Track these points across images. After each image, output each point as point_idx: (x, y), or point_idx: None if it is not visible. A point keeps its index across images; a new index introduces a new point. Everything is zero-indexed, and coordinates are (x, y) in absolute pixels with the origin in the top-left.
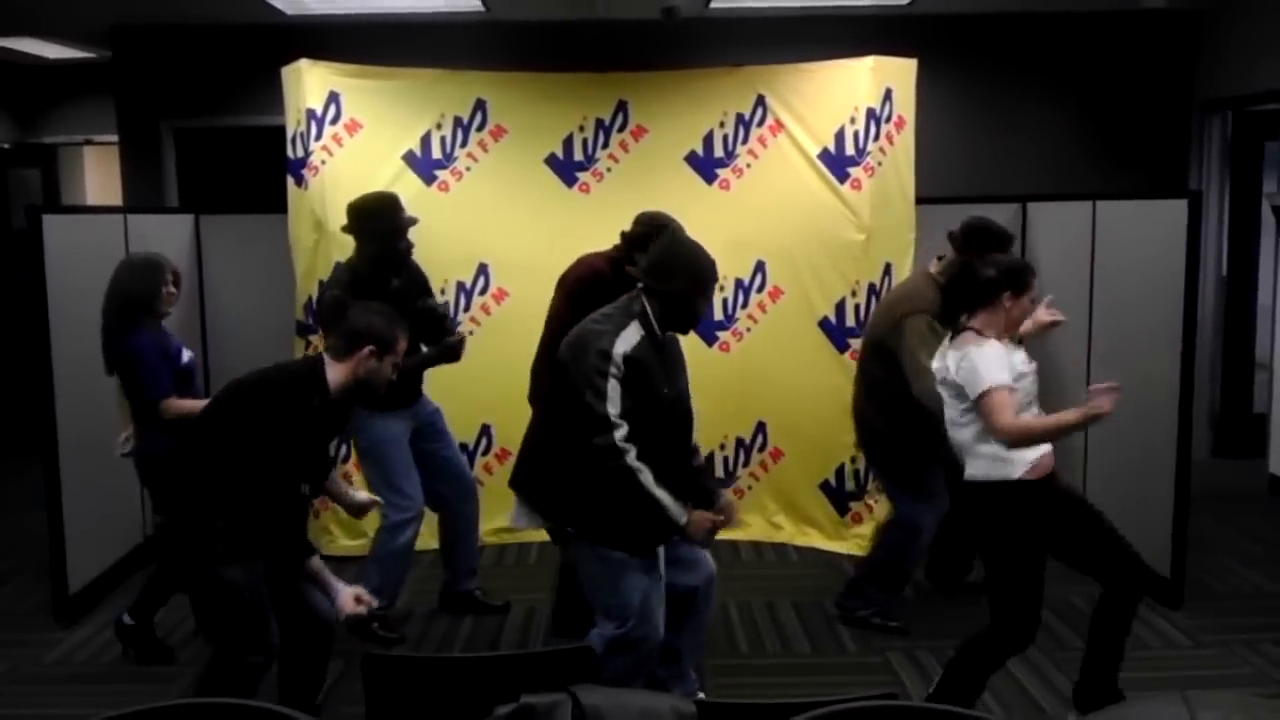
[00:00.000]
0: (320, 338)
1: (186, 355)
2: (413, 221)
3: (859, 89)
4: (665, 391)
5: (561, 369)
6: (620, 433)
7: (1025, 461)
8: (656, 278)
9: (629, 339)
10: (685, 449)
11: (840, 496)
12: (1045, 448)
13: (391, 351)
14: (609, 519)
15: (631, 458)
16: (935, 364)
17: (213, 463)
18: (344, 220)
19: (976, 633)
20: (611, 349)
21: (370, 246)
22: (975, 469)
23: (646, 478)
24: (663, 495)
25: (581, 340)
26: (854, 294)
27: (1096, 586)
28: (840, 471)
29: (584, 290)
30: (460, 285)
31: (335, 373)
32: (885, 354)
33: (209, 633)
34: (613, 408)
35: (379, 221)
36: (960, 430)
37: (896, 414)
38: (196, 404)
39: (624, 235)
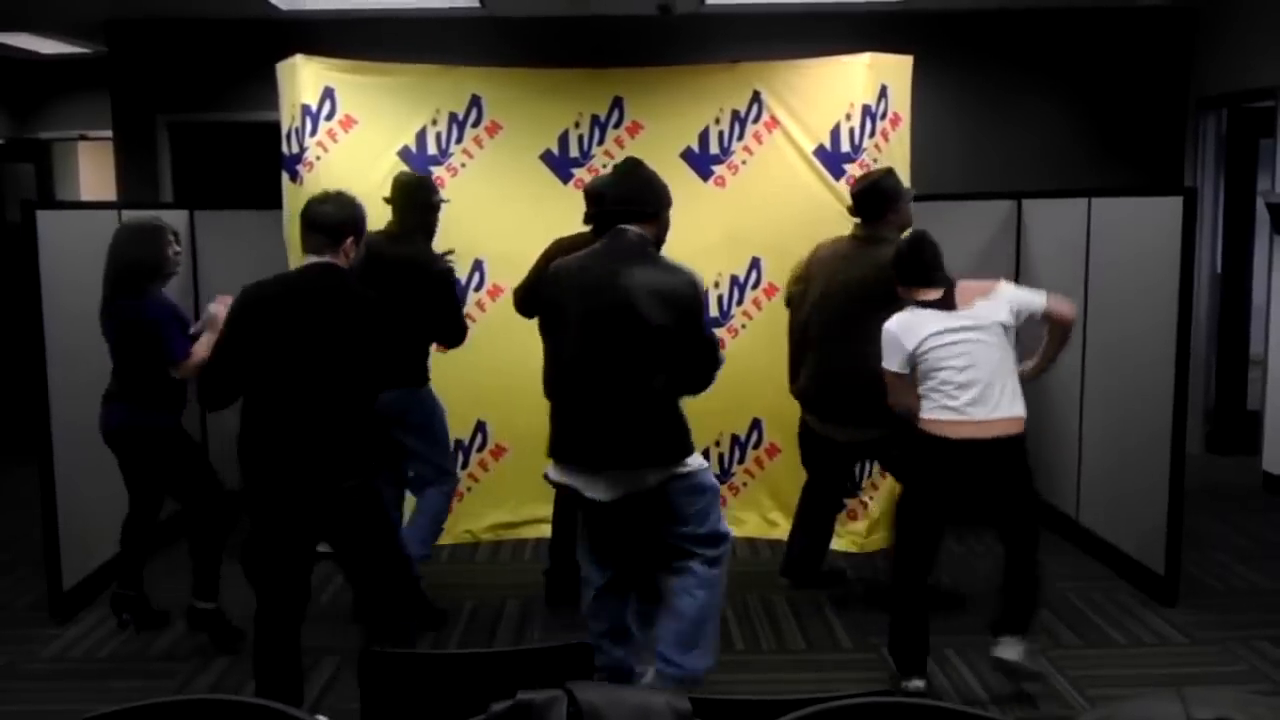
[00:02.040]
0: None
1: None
2: (445, 201)
3: (855, 86)
4: None
5: (667, 307)
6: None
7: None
8: (655, 202)
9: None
10: None
11: None
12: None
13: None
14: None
15: None
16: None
17: (374, 378)
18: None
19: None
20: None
21: (412, 218)
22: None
23: None
24: None
25: (685, 287)
26: None
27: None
28: None
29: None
30: (455, 281)
31: (343, 260)
32: (880, 300)
33: (380, 582)
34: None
35: (431, 195)
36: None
37: None
38: (200, 355)
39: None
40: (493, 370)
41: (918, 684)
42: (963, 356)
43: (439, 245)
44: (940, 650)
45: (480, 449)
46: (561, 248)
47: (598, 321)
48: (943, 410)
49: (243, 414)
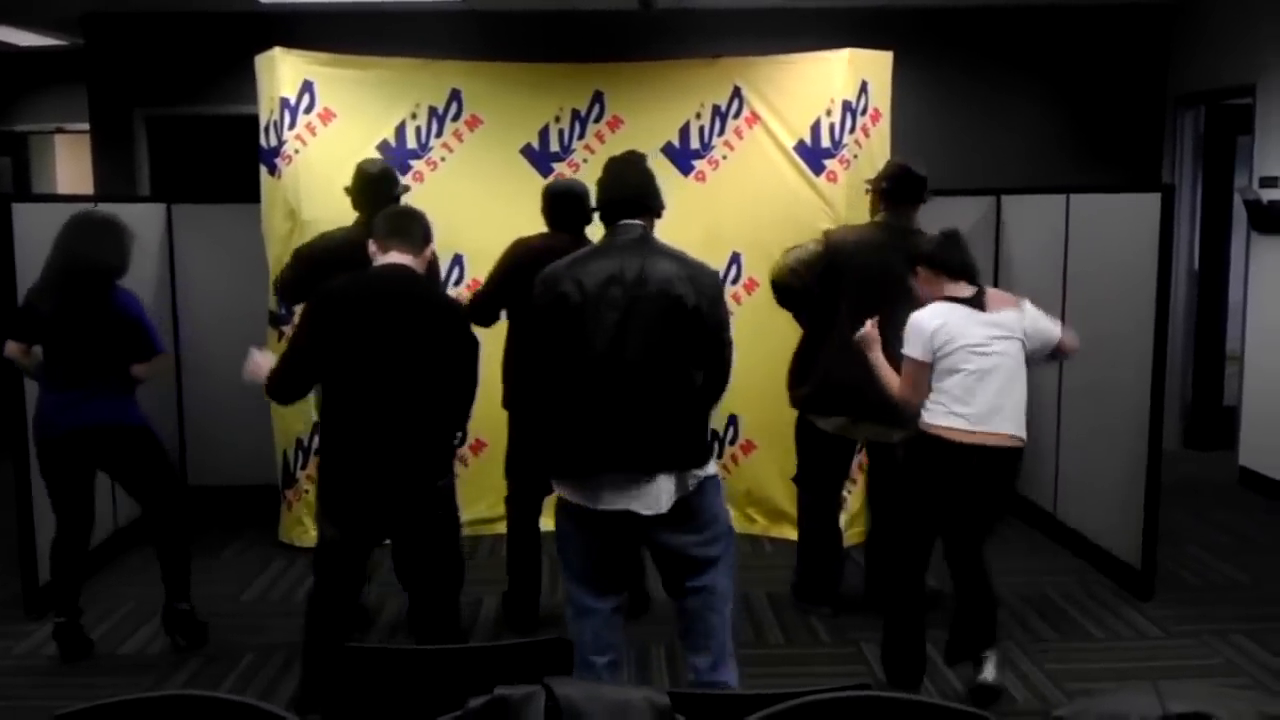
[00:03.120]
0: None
1: None
2: (405, 189)
3: (835, 81)
4: None
5: (686, 305)
6: None
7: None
8: (659, 198)
9: None
10: None
11: None
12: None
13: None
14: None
15: None
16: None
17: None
18: (316, 210)
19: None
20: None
21: (375, 211)
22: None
23: None
24: None
25: (708, 276)
26: None
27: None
28: None
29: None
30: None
31: (420, 266)
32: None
33: (439, 576)
34: None
35: (394, 188)
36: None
37: None
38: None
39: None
40: None
41: None
42: (987, 360)
43: None
44: None
45: (459, 444)
46: (530, 251)
47: (641, 312)
48: (951, 416)
49: (329, 416)
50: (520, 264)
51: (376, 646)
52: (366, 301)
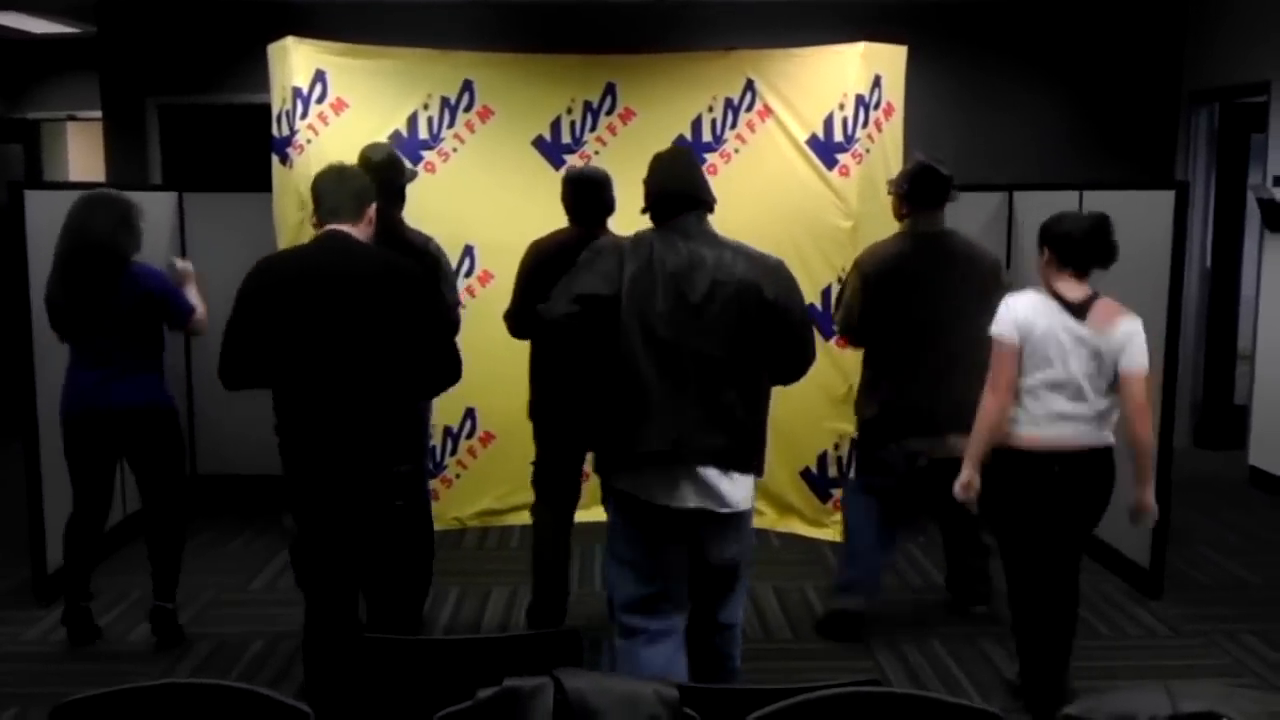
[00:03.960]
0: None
1: None
2: (414, 175)
3: (848, 75)
4: None
5: (767, 300)
6: None
7: None
8: (709, 190)
9: None
10: None
11: (822, 484)
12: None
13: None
14: None
15: None
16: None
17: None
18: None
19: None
20: None
21: (381, 199)
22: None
23: None
24: None
25: (785, 270)
26: (840, 281)
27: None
28: (822, 459)
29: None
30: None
31: (362, 234)
32: (986, 310)
33: (401, 563)
34: None
35: (400, 176)
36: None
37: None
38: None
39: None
40: (482, 357)
41: None
42: (1072, 361)
43: (428, 233)
44: (927, 641)
45: (469, 436)
46: (542, 251)
47: (721, 299)
48: (1033, 424)
49: (277, 401)
50: (535, 267)
51: (387, 637)
52: (295, 277)
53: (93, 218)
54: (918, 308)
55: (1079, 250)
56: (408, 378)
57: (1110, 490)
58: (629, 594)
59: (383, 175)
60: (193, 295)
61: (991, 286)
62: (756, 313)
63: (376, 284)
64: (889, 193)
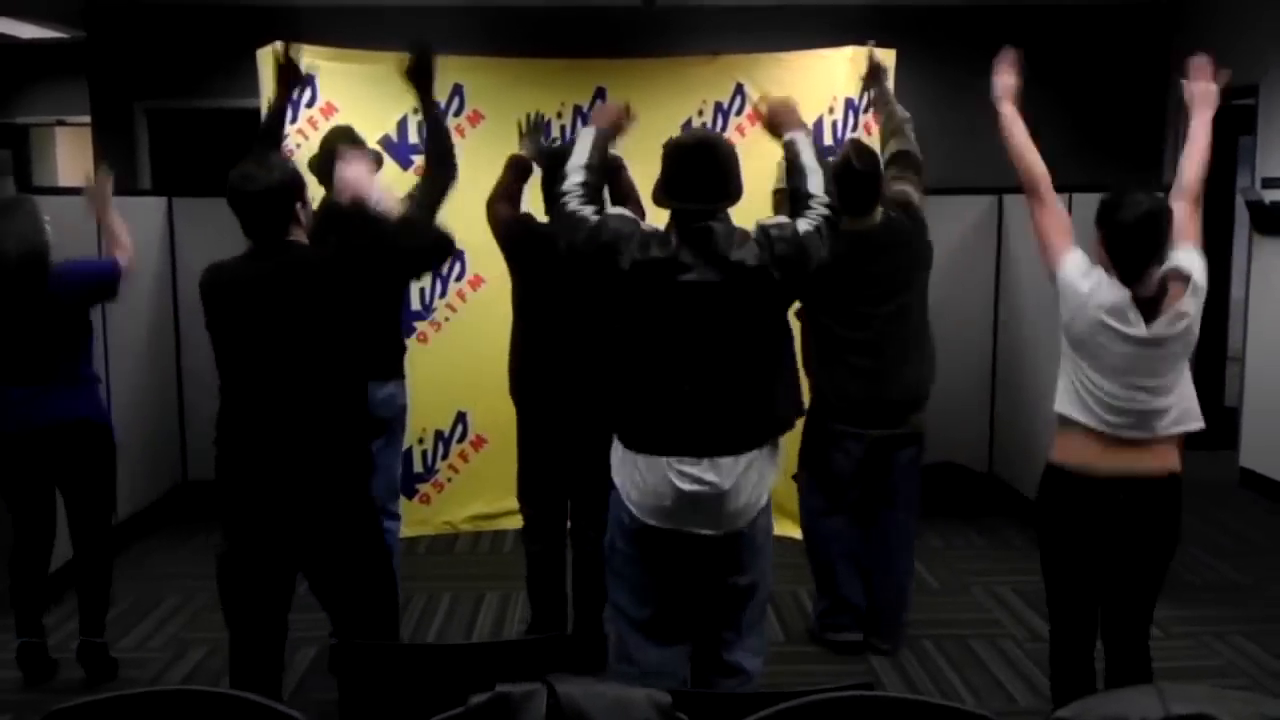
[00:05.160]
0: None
1: None
2: (378, 162)
3: (837, 79)
4: None
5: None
6: None
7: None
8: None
9: None
10: None
11: None
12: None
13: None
14: None
15: None
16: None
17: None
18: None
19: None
20: None
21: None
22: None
23: None
24: None
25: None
26: None
27: None
28: None
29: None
30: (436, 271)
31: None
32: (923, 285)
33: (374, 603)
34: None
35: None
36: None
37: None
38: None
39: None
40: (473, 360)
41: None
42: (1138, 364)
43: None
44: (919, 643)
45: (460, 440)
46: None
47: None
48: (1082, 436)
49: (220, 419)
50: (523, 230)
51: (377, 643)
52: (228, 285)
53: (24, 231)
54: (853, 305)
55: (1144, 237)
56: (362, 385)
57: None
58: (623, 616)
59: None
60: (116, 225)
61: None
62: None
63: (307, 287)
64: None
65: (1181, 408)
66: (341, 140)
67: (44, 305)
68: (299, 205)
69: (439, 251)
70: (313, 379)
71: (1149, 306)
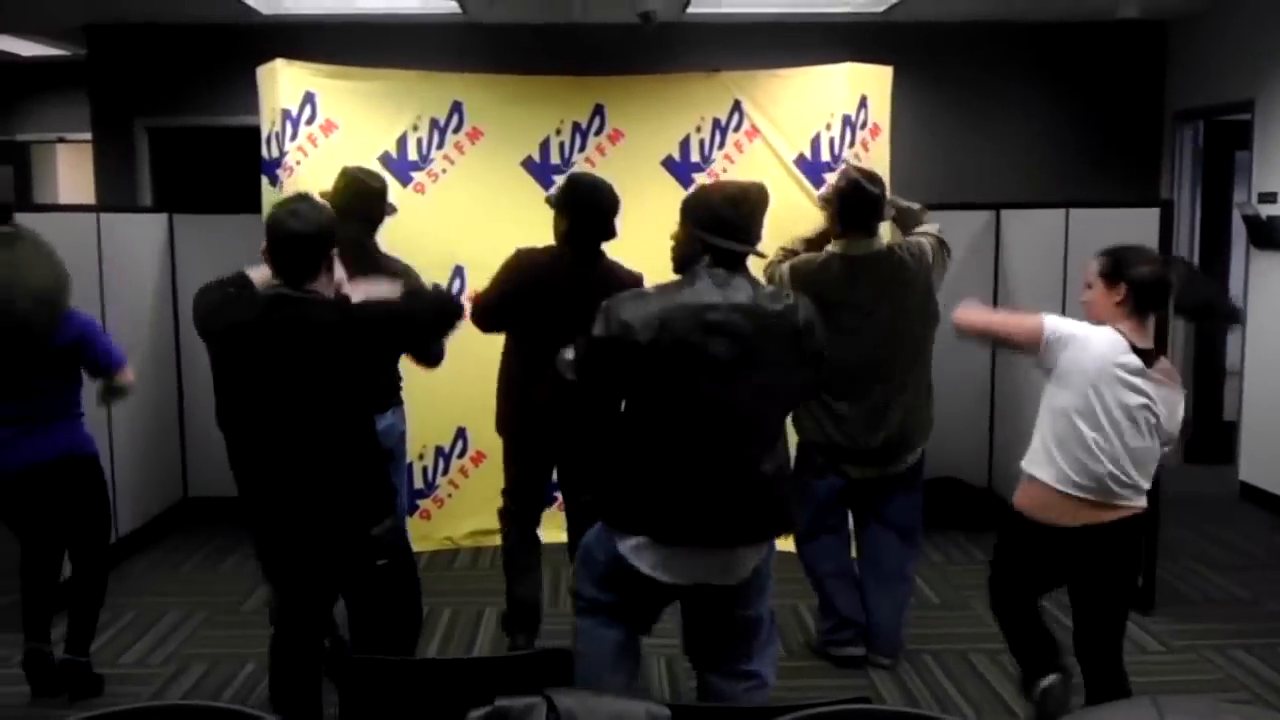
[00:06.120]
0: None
1: None
2: (392, 210)
3: (835, 95)
4: None
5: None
6: None
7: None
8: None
9: None
10: None
11: None
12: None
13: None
14: None
15: None
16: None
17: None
18: None
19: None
20: None
21: (356, 229)
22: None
23: None
24: None
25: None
26: None
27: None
28: None
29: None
30: (435, 288)
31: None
32: (930, 313)
33: (385, 623)
34: None
35: (384, 210)
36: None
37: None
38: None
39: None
40: (473, 377)
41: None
42: (1131, 426)
43: (417, 254)
44: (918, 657)
45: (460, 455)
46: (531, 260)
47: (771, 359)
48: (1047, 491)
49: (240, 470)
50: (521, 271)
51: (376, 658)
52: (245, 333)
53: (36, 271)
54: (846, 340)
55: (1141, 289)
56: (369, 428)
57: None
58: (587, 603)
59: (373, 206)
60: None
61: (928, 308)
62: (801, 353)
63: (316, 337)
64: (820, 207)
65: (1142, 490)
66: (367, 195)
67: (42, 350)
68: (333, 252)
69: (448, 323)
70: (332, 425)
71: (1146, 357)
